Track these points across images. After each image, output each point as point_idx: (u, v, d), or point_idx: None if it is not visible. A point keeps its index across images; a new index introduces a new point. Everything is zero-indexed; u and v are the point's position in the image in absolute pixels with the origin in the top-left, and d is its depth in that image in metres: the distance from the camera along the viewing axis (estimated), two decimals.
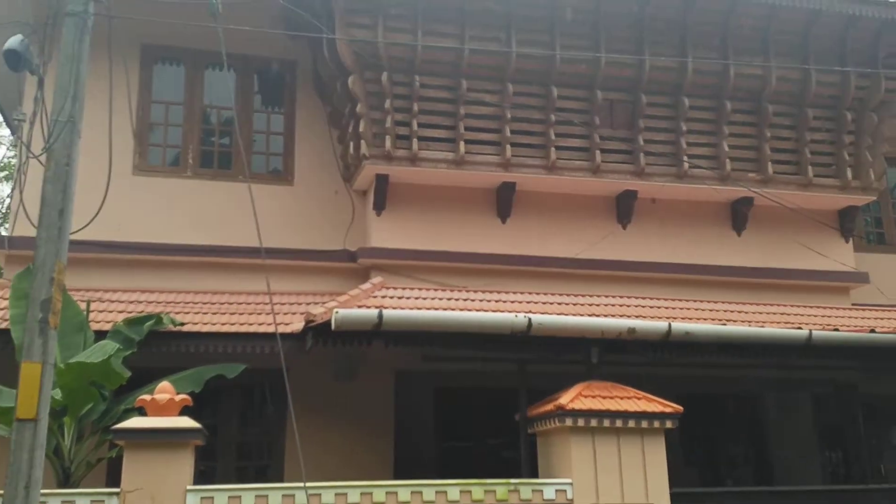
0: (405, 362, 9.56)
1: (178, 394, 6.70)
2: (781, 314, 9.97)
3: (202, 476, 8.23)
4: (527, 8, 10.12)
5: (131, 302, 9.15)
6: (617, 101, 10.61)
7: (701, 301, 10.29)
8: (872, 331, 8.87)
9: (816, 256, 11.08)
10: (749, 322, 9.18)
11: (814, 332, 8.51)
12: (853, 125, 11.25)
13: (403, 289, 9.50)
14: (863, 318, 10.23)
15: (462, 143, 9.97)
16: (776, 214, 10.92)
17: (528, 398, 8.16)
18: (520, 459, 8.15)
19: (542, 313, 8.32)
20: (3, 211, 20.78)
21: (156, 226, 9.88)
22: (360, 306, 8.14)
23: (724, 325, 8.74)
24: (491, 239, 10.35)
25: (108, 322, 8.41)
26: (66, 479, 7.41)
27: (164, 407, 6.51)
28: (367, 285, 9.38)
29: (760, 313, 9.92)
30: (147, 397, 6.60)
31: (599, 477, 7.20)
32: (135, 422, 6.49)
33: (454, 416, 10.80)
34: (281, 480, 9.21)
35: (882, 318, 10.22)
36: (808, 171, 10.96)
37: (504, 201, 10.42)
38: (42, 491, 5.18)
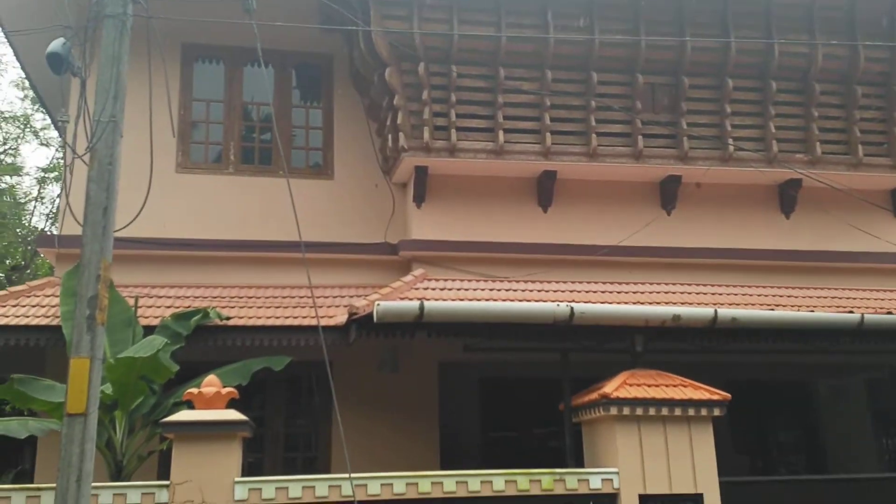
0: (448, 353, 9.57)
1: (224, 387, 6.77)
2: (832, 298, 9.75)
3: (250, 468, 8.36)
4: None
5: (178, 297, 9.32)
6: (658, 85, 10.42)
7: (748, 286, 10.09)
8: None
9: (868, 238, 10.76)
10: (798, 307, 8.99)
11: (866, 316, 8.32)
12: None
13: (445, 280, 9.50)
14: None
15: (501, 133, 9.90)
16: (826, 196, 10.63)
17: (572, 387, 8.11)
18: (565, 449, 8.11)
19: (585, 302, 8.26)
20: (53, 211, 21.31)
21: (200, 222, 10.03)
22: (401, 298, 8.18)
23: (772, 310, 8.57)
24: (532, 228, 10.27)
25: (156, 317, 8.58)
26: (118, 472, 7.57)
27: (211, 400, 6.60)
28: (408, 277, 9.40)
29: (810, 297, 9.71)
30: (194, 391, 6.69)
31: (646, 466, 7.13)
32: (183, 415, 6.59)
33: (498, 406, 10.79)
34: (328, 471, 9.32)
35: None
36: (858, 150, 10.65)
37: (545, 190, 10.33)
38: (93, 484, 5.29)
